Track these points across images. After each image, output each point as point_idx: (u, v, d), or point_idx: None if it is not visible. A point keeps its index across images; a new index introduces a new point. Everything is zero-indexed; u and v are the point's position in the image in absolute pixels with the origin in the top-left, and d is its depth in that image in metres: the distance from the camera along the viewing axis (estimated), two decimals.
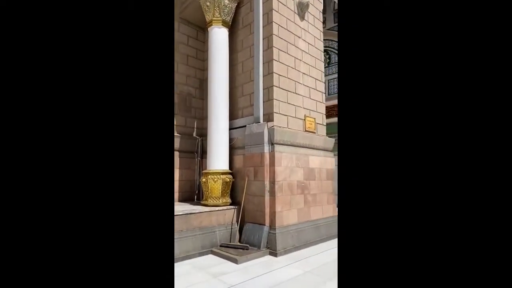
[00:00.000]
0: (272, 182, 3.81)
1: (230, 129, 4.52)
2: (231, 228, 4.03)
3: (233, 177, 4.33)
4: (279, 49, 4.25)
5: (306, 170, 4.32)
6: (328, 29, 10.07)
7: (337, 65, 9.69)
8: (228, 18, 4.60)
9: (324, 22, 10.26)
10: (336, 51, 9.78)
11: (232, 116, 4.66)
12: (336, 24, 9.69)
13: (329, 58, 9.96)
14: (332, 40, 9.92)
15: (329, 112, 10.04)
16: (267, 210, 3.79)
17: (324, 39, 10.31)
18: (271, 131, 3.90)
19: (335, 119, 10.09)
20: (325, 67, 9.86)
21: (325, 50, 10.32)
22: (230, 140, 4.48)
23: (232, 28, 4.84)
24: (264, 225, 3.77)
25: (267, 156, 3.89)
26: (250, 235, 3.84)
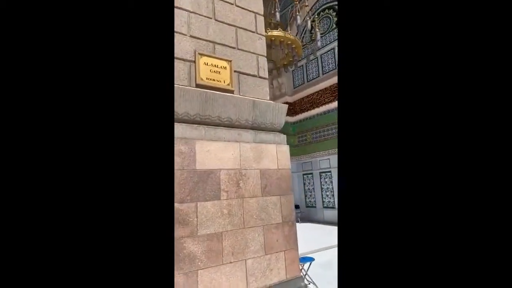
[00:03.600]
0: None
1: None
2: None
3: None
4: None
5: (186, 177, 1.76)
6: None
7: (335, 32, 6.80)
8: None
9: None
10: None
11: None
12: None
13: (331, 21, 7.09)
14: None
15: (334, 94, 7.07)
16: None
17: None
18: None
19: (334, 104, 7.01)
20: (321, 34, 6.98)
21: (331, 7, 7.48)
22: None
23: None
24: None
25: None
26: None
